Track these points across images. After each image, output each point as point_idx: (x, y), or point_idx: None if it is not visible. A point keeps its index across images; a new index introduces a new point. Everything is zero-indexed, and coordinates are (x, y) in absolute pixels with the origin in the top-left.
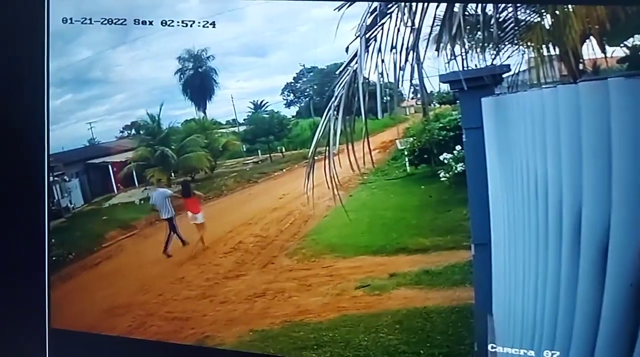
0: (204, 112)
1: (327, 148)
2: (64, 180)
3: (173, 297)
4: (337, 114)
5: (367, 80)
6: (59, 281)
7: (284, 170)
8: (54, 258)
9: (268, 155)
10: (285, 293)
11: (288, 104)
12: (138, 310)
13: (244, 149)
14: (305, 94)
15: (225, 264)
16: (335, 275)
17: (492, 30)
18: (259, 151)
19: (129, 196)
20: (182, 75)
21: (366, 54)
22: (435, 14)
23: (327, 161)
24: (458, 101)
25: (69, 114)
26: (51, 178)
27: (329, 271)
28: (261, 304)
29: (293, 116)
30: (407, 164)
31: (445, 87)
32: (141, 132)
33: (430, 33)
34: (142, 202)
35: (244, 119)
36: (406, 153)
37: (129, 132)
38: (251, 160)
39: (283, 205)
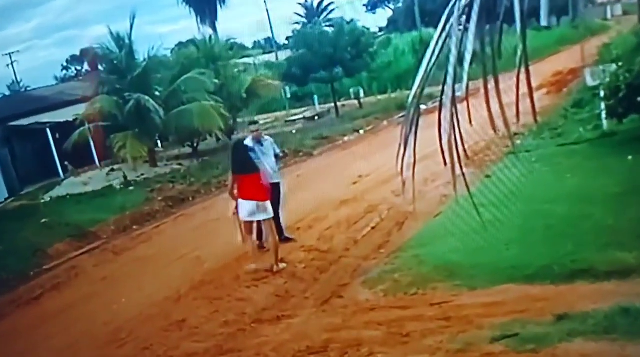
0: (213, 27)
1: (445, 88)
2: None
3: (166, 352)
4: (467, 21)
5: None
6: None
7: (360, 131)
8: None
9: (332, 104)
10: (362, 349)
11: (371, 7)
12: None
13: (287, 95)
14: None
15: (255, 297)
16: (454, 317)
17: None
18: (314, 98)
19: (83, 182)
20: None
21: None
22: None
23: (443, 113)
24: None
25: None
26: None
27: (443, 311)
28: None
29: (381, 29)
30: (604, 114)
31: None
32: (100, 67)
33: None
34: (122, 187)
35: (288, 39)
36: (602, 94)
37: (78, 68)
38: (300, 115)
39: (358, 194)
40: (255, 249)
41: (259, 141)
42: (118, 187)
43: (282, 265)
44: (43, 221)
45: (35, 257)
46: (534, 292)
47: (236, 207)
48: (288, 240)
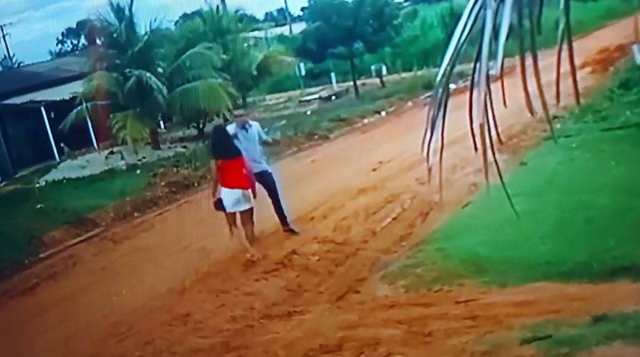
0: None
1: (477, 66)
2: None
3: (169, 348)
4: None
5: None
6: None
7: (382, 113)
8: None
9: (350, 83)
10: (380, 348)
11: None
12: None
13: (302, 73)
14: None
15: (265, 291)
16: (482, 317)
17: None
18: (331, 76)
19: (81, 165)
20: None
21: None
22: None
23: (475, 93)
24: None
25: None
26: None
27: (469, 309)
28: None
29: (406, 0)
30: None
31: None
32: (98, 41)
33: None
34: (125, 168)
35: (303, 10)
36: None
37: (74, 42)
38: (316, 95)
39: (378, 182)
40: (243, 239)
41: (243, 127)
42: (121, 168)
43: (255, 255)
44: (38, 206)
45: (30, 245)
46: (570, 291)
47: (218, 199)
48: (292, 232)
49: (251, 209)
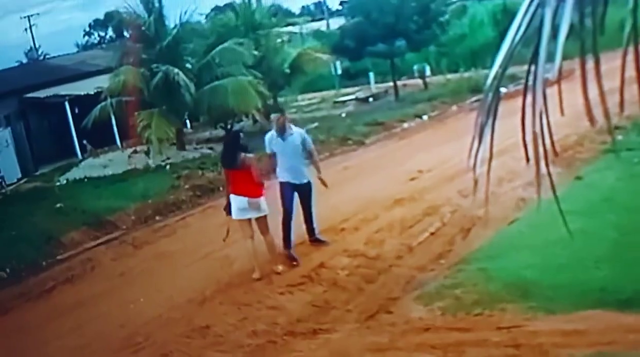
0: None
1: (533, 68)
2: None
3: None
4: None
5: None
6: None
7: (424, 117)
8: None
9: (390, 84)
10: None
11: None
12: None
13: (338, 72)
14: None
15: (290, 306)
16: (525, 345)
17: None
18: (370, 76)
19: (103, 164)
20: None
21: None
22: None
23: (530, 98)
24: None
25: None
26: None
27: (512, 337)
28: None
29: None
30: None
31: None
32: (125, 34)
33: None
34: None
35: (341, 4)
36: None
37: (102, 34)
38: (352, 96)
39: (416, 193)
40: (256, 254)
41: (282, 134)
42: (145, 168)
43: (280, 267)
44: (58, 205)
45: (48, 246)
46: (627, 321)
47: (227, 204)
48: (319, 242)
49: (264, 218)
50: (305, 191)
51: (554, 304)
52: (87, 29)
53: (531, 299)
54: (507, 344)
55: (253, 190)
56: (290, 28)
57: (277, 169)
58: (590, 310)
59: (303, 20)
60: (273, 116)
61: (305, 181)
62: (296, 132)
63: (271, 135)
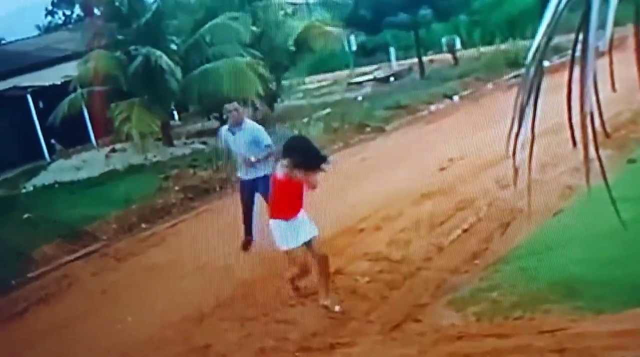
0: None
1: (581, 36)
2: None
3: None
4: None
5: None
6: None
7: (454, 98)
8: None
9: (414, 60)
10: None
11: None
12: None
13: (353, 48)
14: None
15: (302, 319)
16: (572, 350)
17: None
18: (390, 51)
19: (76, 166)
20: None
21: None
22: None
23: (578, 73)
24: None
25: None
26: None
27: (557, 341)
28: None
29: None
30: None
31: None
32: (96, 11)
33: None
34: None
35: None
36: None
37: (67, 12)
38: (369, 76)
39: (447, 185)
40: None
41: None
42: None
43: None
44: (25, 216)
45: (17, 262)
46: None
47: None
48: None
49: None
50: (264, 185)
51: (603, 303)
52: (50, 8)
53: (577, 298)
54: (551, 349)
55: (293, 208)
56: None
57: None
58: None
59: None
60: (228, 106)
61: (261, 174)
62: (249, 128)
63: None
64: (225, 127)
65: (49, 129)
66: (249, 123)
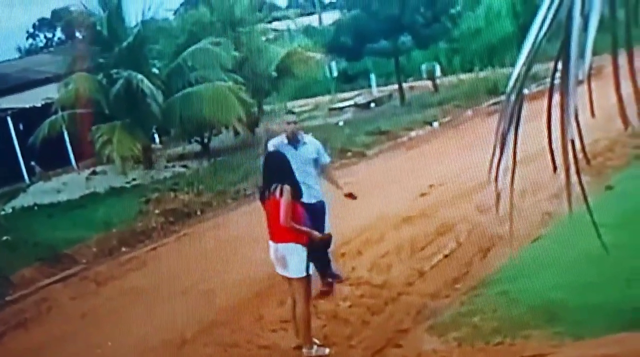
0: None
1: (560, 65)
2: None
3: None
4: None
5: None
6: None
7: (434, 124)
8: None
9: (395, 86)
10: None
11: None
12: None
13: (334, 74)
14: None
15: (284, 344)
16: None
17: None
18: (371, 78)
19: (56, 188)
20: None
21: None
22: None
23: (558, 99)
24: None
25: None
26: None
27: None
28: None
29: None
30: None
31: None
32: (78, 34)
33: None
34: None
35: None
36: None
37: (49, 35)
38: (350, 101)
39: (428, 210)
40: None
41: (294, 141)
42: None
43: (323, 350)
44: (4, 238)
45: None
46: None
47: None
48: (336, 278)
49: (297, 281)
50: (316, 212)
51: (583, 328)
52: (31, 30)
53: (557, 323)
54: None
55: (277, 232)
56: (276, 24)
57: None
58: (622, 333)
59: (292, 14)
60: (283, 120)
61: (314, 201)
62: (310, 143)
63: (279, 143)
64: (279, 140)
65: (29, 151)
66: (307, 137)
